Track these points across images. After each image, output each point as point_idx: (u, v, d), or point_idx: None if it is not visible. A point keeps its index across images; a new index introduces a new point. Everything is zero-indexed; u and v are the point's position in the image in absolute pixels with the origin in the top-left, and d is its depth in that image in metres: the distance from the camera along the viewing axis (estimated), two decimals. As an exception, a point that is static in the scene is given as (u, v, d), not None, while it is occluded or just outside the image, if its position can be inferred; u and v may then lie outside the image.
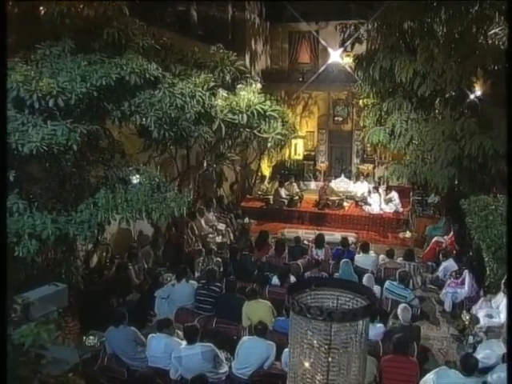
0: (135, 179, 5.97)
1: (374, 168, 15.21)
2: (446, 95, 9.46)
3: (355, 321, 2.36)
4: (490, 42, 9.22)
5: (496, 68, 8.97)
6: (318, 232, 11.16)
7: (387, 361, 5.32)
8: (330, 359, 2.45)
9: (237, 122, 6.92)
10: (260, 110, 6.95)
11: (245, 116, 6.84)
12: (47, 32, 5.91)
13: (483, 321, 6.92)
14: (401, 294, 7.38)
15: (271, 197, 13.26)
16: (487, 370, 5.81)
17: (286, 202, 13.04)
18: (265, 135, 7.45)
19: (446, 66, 8.34)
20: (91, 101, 5.53)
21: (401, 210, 12.60)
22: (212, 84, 7.03)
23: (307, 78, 14.82)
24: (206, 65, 7.91)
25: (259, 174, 14.61)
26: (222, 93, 7.05)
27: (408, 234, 11.10)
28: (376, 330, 6.26)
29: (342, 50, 13.56)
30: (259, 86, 7.54)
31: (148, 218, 5.96)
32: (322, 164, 15.64)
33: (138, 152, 7.60)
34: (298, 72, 15.42)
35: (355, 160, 15.76)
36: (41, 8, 5.74)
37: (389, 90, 10.28)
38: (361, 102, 13.20)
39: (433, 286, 8.81)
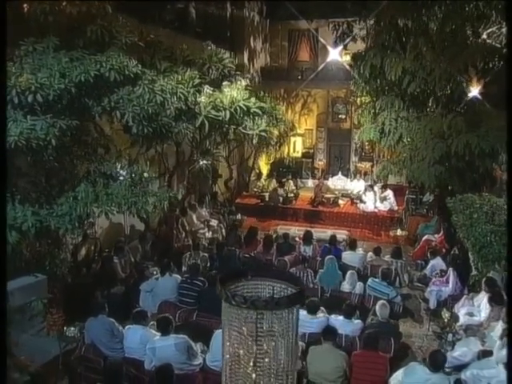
0: (115, 173, 6.07)
1: (372, 166, 15.21)
2: (439, 93, 9.47)
3: (279, 309, 2.43)
4: (481, 40, 9.19)
5: (487, 66, 8.96)
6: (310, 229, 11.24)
7: (357, 355, 5.38)
8: (256, 347, 2.53)
9: (220, 118, 6.98)
10: (243, 106, 7.01)
11: (228, 112, 6.90)
12: (32, 29, 6.03)
13: (463, 319, 6.93)
14: (383, 291, 7.40)
15: (267, 194, 13.34)
16: (463, 367, 5.86)
17: (281, 199, 13.11)
18: (250, 132, 7.52)
19: (435, 64, 8.35)
20: (72, 97, 5.64)
21: (395, 208, 12.61)
22: (197, 81, 7.10)
23: (306, 75, 14.88)
24: (195, 62, 8.00)
25: (256, 171, 14.69)
26: (207, 90, 7.12)
27: (399, 232, 11.11)
28: (354, 326, 6.32)
29: (341, 47, 13.60)
30: (244, 83, 7.58)
31: (128, 212, 6.04)
32: (320, 162, 15.70)
33: (126, 148, 7.75)
34: (297, 70, 15.47)
35: (354, 158, 15.80)
36: (24, 6, 5.85)
37: (384, 87, 10.31)
38: (358, 100, 13.23)
39: (420, 284, 8.82)
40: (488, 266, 7.59)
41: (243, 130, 7.54)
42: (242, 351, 2.65)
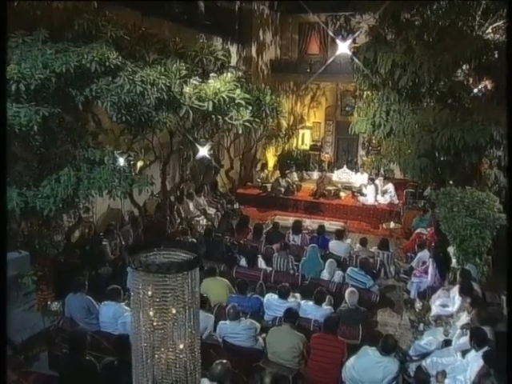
0: (99, 159, 6.42)
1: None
2: (434, 87, 9.48)
3: (171, 273, 2.68)
4: (476, 34, 9.13)
5: (480, 61, 8.90)
6: (307, 220, 11.47)
7: (315, 338, 5.59)
8: (156, 310, 2.79)
9: (204, 108, 7.26)
10: (226, 97, 7.26)
11: (211, 103, 7.17)
12: (23, 22, 6.42)
13: (436, 309, 7.05)
14: (360, 280, 7.58)
15: (269, 185, 13.56)
16: (427, 355, 6.03)
17: (282, 190, 13.31)
18: (235, 122, 7.76)
19: (424, 57, 8.39)
20: (56, 86, 6.02)
21: (396, 201, 12.65)
22: (184, 72, 7.38)
23: (315, 69, 14.98)
24: (188, 54, 8.29)
25: (261, 161, 14.92)
26: (193, 81, 7.39)
27: (391, 225, 11.19)
28: (323, 311, 6.52)
29: (350, 41, 13.64)
30: (230, 75, 7.82)
31: (109, 195, 6.38)
32: (326, 155, 15.80)
33: (118, 136, 8.13)
34: (306, 63, 15.56)
35: (361, 151, 15.82)
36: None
37: (382, 81, 10.35)
38: (365, 94, 13.26)
39: (405, 276, 8.93)
40: (468, 260, 7.67)
41: (229, 121, 7.79)
42: (150, 313, 2.93)
